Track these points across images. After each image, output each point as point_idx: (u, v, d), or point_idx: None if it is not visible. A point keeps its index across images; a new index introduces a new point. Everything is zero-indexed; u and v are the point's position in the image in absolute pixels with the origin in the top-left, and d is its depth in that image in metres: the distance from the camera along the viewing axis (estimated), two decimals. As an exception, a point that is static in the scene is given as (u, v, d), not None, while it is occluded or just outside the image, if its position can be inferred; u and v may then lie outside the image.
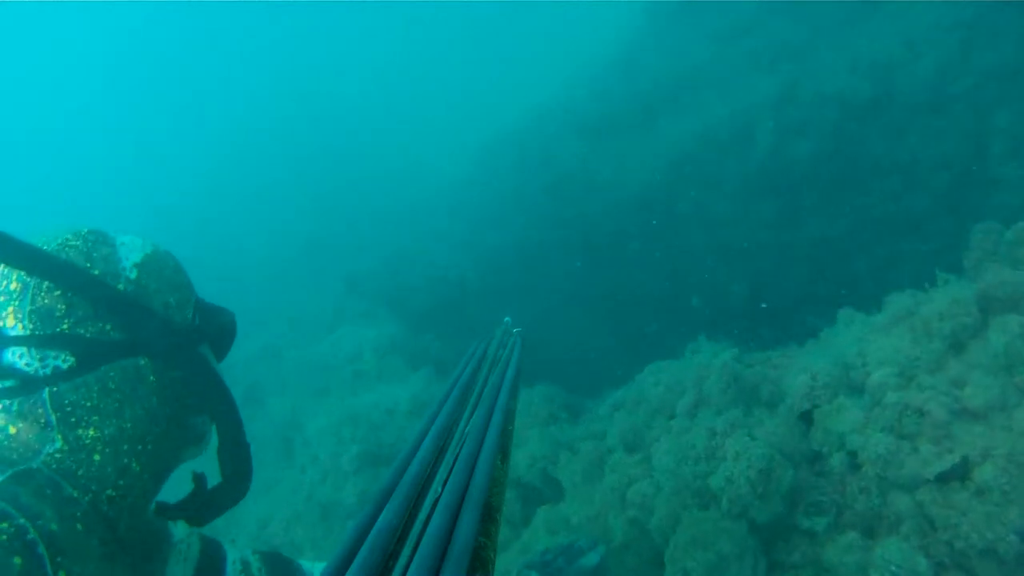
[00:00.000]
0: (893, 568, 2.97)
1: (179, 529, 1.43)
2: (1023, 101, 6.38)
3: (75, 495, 1.10)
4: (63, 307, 1.17)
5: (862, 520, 3.23)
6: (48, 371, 1.15)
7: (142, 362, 1.24)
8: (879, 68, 7.32)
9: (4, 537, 0.92)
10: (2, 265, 1.18)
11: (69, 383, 1.15)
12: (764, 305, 6.73)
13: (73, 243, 1.23)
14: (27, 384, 1.13)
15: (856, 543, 3.13)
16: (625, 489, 3.94)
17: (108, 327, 1.20)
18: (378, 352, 7.87)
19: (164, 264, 1.36)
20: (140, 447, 1.21)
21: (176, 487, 1.32)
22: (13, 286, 1.17)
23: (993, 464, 2.89)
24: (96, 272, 1.21)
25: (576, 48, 15.95)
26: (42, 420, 1.14)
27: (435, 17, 32.50)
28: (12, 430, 1.13)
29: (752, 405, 4.00)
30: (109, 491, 1.15)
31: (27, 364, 1.14)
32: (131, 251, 1.31)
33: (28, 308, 1.16)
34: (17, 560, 0.91)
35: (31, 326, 1.15)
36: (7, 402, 1.14)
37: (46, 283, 1.17)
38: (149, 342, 1.24)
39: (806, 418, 3.68)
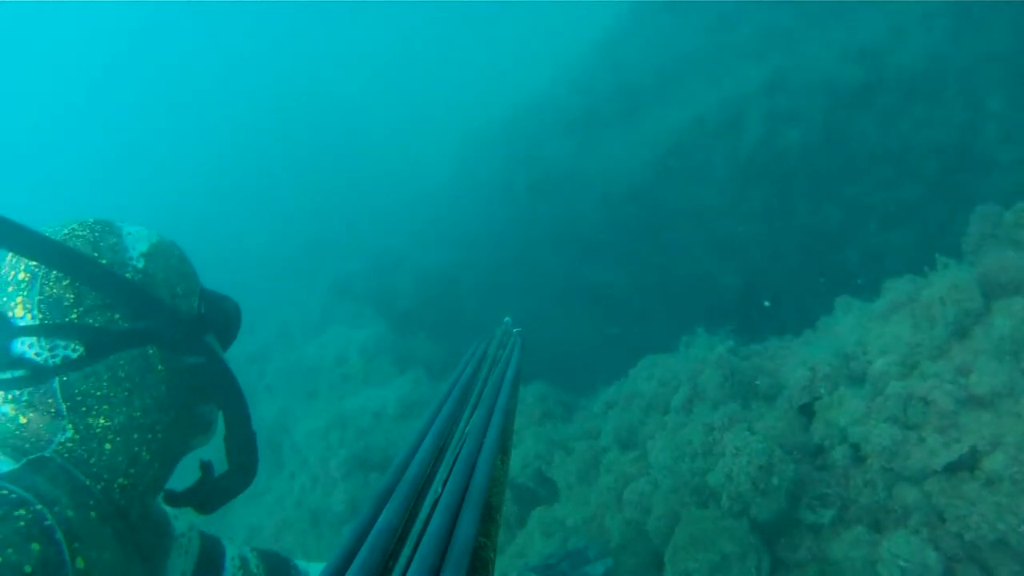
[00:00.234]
0: (902, 562, 2.85)
1: (180, 524, 1.44)
2: (1015, 85, 6.32)
3: (88, 483, 1.11)
4: (72, 296, 1.16)
5: (868, 514, 3.11)
6: (58, 360, 1.14)
7: (151, 351, 1.24)
8: (869, 55, 7.24)
9: (22, 523, 0.91)
10: (10, 255, 1.16)
11: (79, 372, 1.16)
12: (767, 304, 6.62)
13: (80, 233, 1.22)
14: (37, 374, 1.13)
15: (863, 537, 3.01)
16: (621, 489, 3.81)
17: (117, 316, 1.20)
18: (365, 354, 7.72)
19: (170, 253, 1.35)
20: (150, 436, 1.23)
21: (182, 476, 1.34)
22: (21, 276, 1.16)
23: (1003, 453, 2.78)
24: (104, 261, 1.20)
25: (561, 42, 15.82)
26: (52, 409, 1.15)
27: (417, 14, 32.34)
28: (23, 420, 1.14)
29: (749, 398, 3.88)
30: (120, 479, 1.17)
31: (37, 354, 1.14)
32: (137, 240, 1.29)
33: (37, 298, 1.15)
34: (36, 546, 0.90)
35: (40, 316, 1.14)
36: (18, 392, 1.15)
37: (54, 273, 1.16)
38: (158, 331, 1.24)
39: (806, 411, 3.57)
